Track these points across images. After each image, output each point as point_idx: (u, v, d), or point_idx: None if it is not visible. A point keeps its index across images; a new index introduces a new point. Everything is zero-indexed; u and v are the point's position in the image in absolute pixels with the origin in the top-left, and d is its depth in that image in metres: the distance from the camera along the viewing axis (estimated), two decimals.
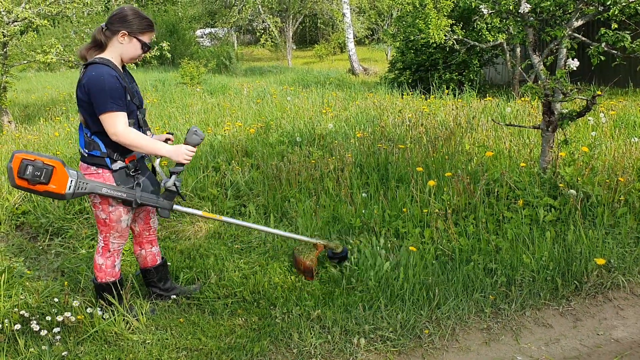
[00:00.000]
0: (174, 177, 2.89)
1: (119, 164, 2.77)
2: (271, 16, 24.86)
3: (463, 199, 3.97)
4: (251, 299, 3.21)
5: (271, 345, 2.80)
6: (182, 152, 2.77)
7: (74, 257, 3.93)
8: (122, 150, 2.76)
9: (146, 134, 2.85)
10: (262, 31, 25.88)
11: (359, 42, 25.72)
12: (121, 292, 3.01)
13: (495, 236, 3.62)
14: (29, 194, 4.93)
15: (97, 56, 2.70)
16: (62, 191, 2.65)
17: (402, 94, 10.12)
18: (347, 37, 18.82)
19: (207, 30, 28.33)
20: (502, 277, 3.23)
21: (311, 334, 2.83)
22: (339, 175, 4.72)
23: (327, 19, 26.95)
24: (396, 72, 12.12)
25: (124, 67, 2.84)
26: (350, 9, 20.26)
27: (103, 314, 2.96)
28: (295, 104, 8.75)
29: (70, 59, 9.06)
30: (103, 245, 2.93)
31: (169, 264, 3.59)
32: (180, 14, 23.58)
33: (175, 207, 2.98)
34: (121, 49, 2.73)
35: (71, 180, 2.65)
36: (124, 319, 2.94)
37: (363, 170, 4.89)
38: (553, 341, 2.84)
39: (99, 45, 2.72)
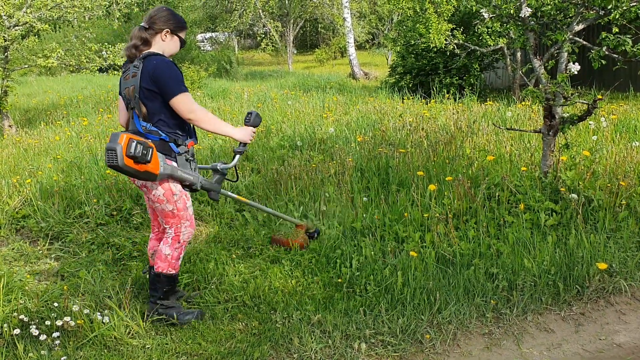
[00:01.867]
0: (238, 157, 3.10)
1: (182, 148, 2.87)
2: (272, 21, 24.90)
3: (464, 203, 3.96)
4: (251, 303, 3.20)
5: (271, 350, 2.78)
6: (248, 134, 3.00)
7: (73, 261, 3.93)
8: (183, 135, 2.88)
9: None
10: (263, 35, 25.93)
11: (359, 47, 25.71)
12: (175, 287, 3.07)
13: (496, 240, 3.61)
14: (28, 196, 4.93)
15: (147, 52, 2.83)
16: (156, 171, 2.72)
17: (403, 98, 10.12)
18: (348, 42, 18.85)
19: (208, 35, 28.34)
20: (503, 281, 3.21)
21: (312, 338, 2.82)
22: (339, 179, 4.71)
23: (328, 24, 26.98)
24: (397, 76, 12.13)
25: None
26: (351, 14, 20.29)
27: (103, 318, 2.94)
28: (296, 108, 8.75)
29: (71, 63, 9.08)
30: (174, 235, 2.97)
31: None
32: None
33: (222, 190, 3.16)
34: (163, 46, 2.89)
35: (162, 161, 2.74)
36: (123, 323, 2.93)
37: (364, 175, 4.88)
38: (555, 346, 2.82)
39: (146, 43, 2.85)
